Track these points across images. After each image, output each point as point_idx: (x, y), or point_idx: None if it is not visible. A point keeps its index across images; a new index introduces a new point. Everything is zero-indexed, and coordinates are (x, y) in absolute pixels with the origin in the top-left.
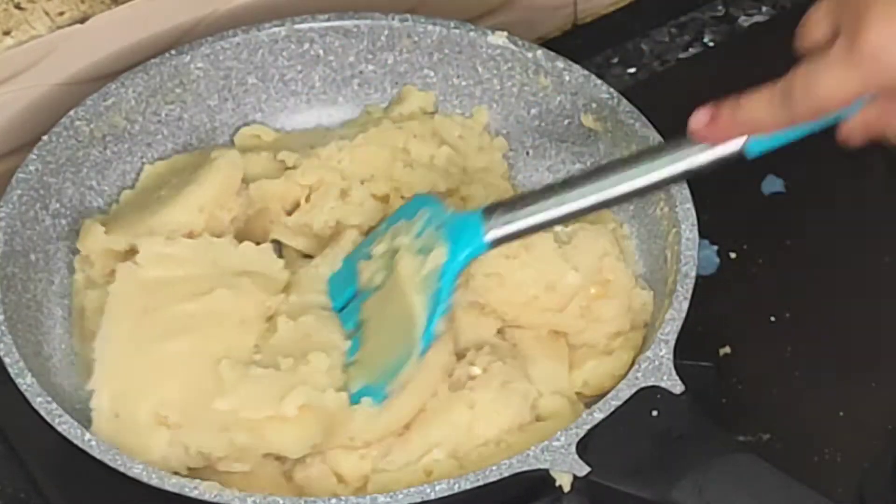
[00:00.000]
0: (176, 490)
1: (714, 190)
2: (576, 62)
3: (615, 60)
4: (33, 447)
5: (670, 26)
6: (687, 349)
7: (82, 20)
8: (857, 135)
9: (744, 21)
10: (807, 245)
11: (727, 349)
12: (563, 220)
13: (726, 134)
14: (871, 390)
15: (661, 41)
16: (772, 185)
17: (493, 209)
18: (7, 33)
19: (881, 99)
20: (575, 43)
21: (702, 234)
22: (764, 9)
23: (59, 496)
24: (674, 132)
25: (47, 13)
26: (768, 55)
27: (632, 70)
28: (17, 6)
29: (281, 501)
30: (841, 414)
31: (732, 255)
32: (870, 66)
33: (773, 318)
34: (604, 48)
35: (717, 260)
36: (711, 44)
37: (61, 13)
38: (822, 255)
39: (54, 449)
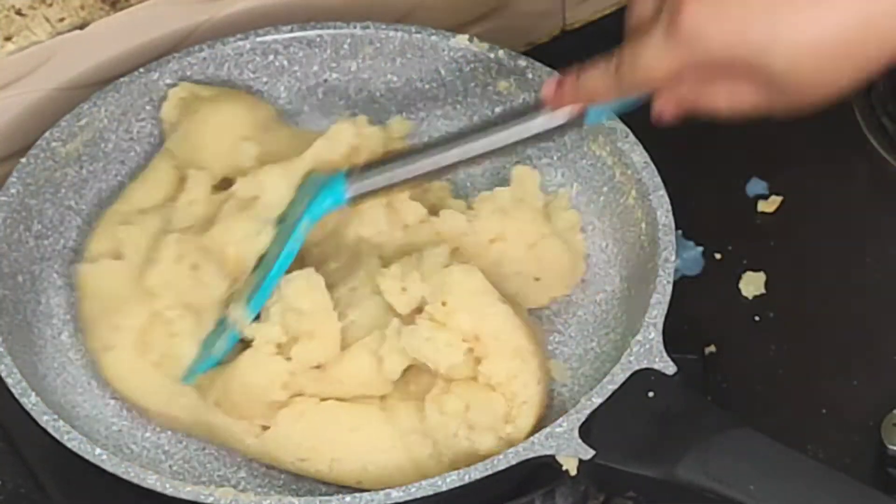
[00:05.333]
0: (191, 498)
1: (699, 192)
2: (565, 67)
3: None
4: (33, 443)
5: None
6: (673, 348)
7: (82, 26)
8: (669, 110)
9: None
10: (790, 246)
11: (712, 348)
12: (420, 179)
13: (568, 100)
14: (852, 388)
15: None
16: (756, 187)
17: (355, 169)
18: (8, 39)
19: (695, 74)
20: (563, 49)
21: (687, 236)
22: None
23: (60, 492)
24: (659, 138)
25: (48, 19)
26: None
27: None
28: (18, 12)
29: (296, 502)
30: (824, 411)
31: (717, 256)
32: (686, 44)
33: (757, 318)
34: (592, 54)
35: (703, 261)
36: None
37: (61, 19)
38: (806, 257)
39: (55, 445)
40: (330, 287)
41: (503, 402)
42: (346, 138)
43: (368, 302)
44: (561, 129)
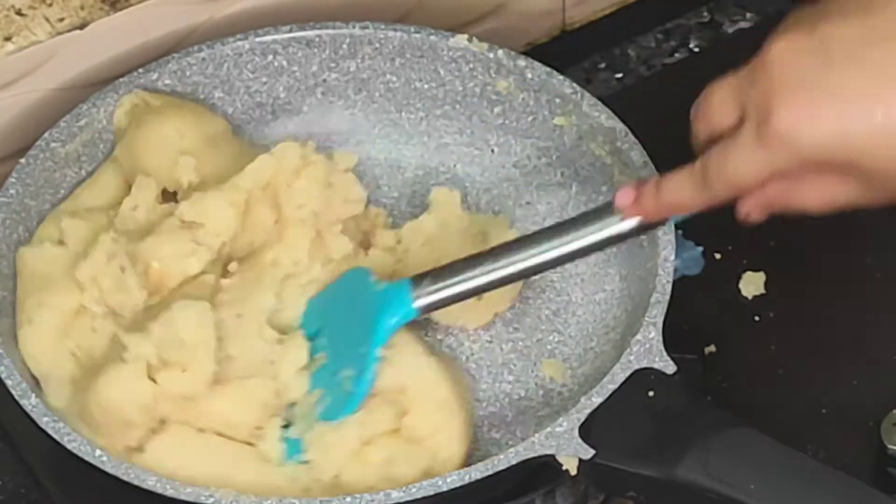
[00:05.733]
0: (192, 499)
1: None
2: (564, 67)
3: (602, 66)
4: (33, 443)
5: (656, 32)
6: (673, 348)
7: (82, 26)
8: (756, 212)
9: (728, 27)
10: (790, 246)
11: (712, 348)
12: (490, 286)
13: (650, 213)
14: (853, 388)
15: (648, 47)
16: None
17: (422, 277)
18: (8, 39)
19: (785, 176)
20: (563, 48)
21: (687, 236)
22: (748, 15)
23: (60, 492)
24: (659, 138)
25: (47, 19)
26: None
27: (619, 75)
28: (18, 12)
29: (297, 502)
30: (824, 411)
31: (717, 256)
32: (779, 147)
33: (757, 318)
34: (591, 54)
35: (703, 261)
36: (697, 49)
37: (61, 19)
38: (806, 256)
39: (55, 445)
40: (217, 298)
41: (426, 456)
42: (289, 159)
43: (251, 342)
44: (637, 232)
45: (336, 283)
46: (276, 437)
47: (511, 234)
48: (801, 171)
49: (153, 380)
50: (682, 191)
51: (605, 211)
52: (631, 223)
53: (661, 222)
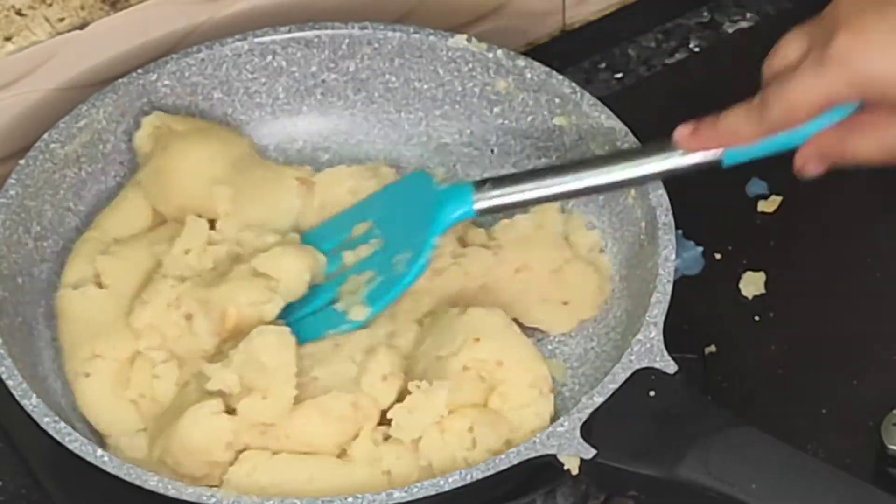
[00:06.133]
0: (193, 499)
1: (699, 192)
2: (564, 67)
3: (603, 66)
4: (33, 443)
5: (657, 32)
6: (673, 348)
7: (82, 26)
8: (812, 161)
9: (728, 27)
10: (790, 246)
11: (712, 348)
12: (547, 199)
13: (707, 144)
14: (852, 388)
15: (648, 47)
16: (756, 187)
17: (484, 182)
18: (8, 39)
19: (843, 125)
20: (563, 49)
21: (687, 236)
22: (748, 15)
23: (60, 492)
24: (659, 136)
25: (47, 19)
26: (752, 60)
27: (619, 75)
28: (18, 12)
29: (298, 503)
30: (823, 411)
31: (717, 256)
32: (837, 71)
33: (757, 318)
34: (591, 54)
35: (703, 261)
36: (697, 49)
37: (61, 19)
38: (806, 257)
39: (55, 445)
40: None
41: (508, 425)
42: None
43: (342, 365)
44: (696, 168)
45: (397, 183)
46: (368, 445)
47: (590, 236)
48: (857, 120)
49: (232, 412)
50: (740, 121)
51: (666, 144)
52: (689, 158)
53: (717, 162)
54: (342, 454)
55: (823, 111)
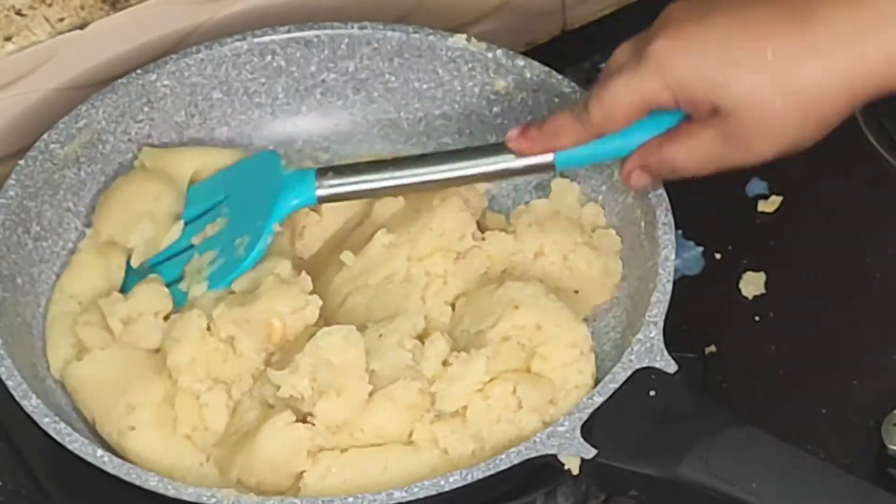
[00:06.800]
0: (193, 499)
1: (699, 192)
2: (564, 67)
3: (602, 66)
4: (33, 443)
5: None
6: (673, 348)
7: (82, 26)
8: (636, 170)
9: None
10: (790, 246)
11: (713, 348)
12: (385, 192)
13: (534, 147)
14: (853, 388)
15: None
16: (756, 187)
17: (327, 170)
18: (8, 39)
19: (660, 139)
20: (563, 48)
21: (687, 236)
22: None
23: (60, 492)
24: None
25: (47, 19)
26: None
27: None
28: (18, 12)
29: (298, 503)
30: (824, 412)
31: (717, 256)
32: (653, 72)
33: (757, 318)
34: (592, 54)
35: (703, 261)
36: None
37: (61, 19)
38: (806, 257)
39: (55, 446)
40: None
41: (551, 386)
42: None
43: (394, 353)
44: (530, 170)
45: (246, 161)
46: (426, 426)
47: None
48: (671, 132)
49: (302, 419)
50: (564, 124)
51: (503, 146)
52: (522, 161)
53: (550, 166)
54: (407, 441)
55: (641, 114)
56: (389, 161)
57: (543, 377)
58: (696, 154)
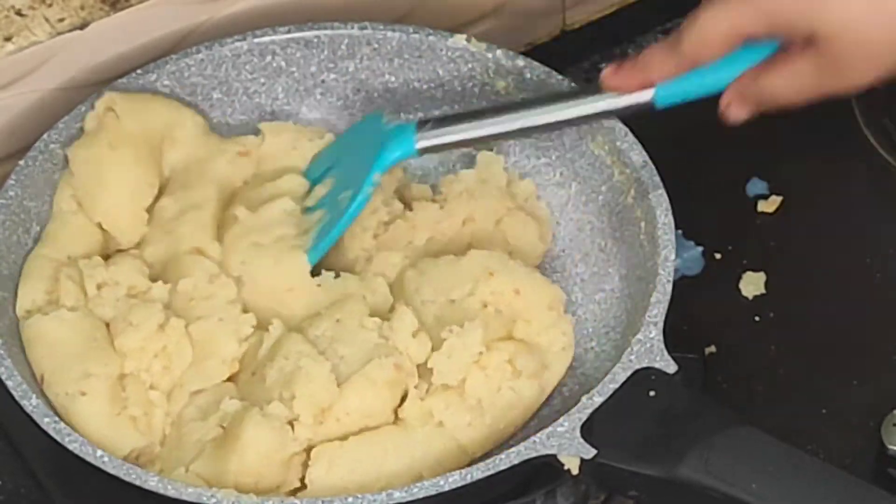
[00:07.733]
0: (193, 499)
1: (699, 192)
2: (564, 67)
3: (602, 66)
4: (34, 443)
5: (657, 32)
6: (673, 348)
7: (82, 26)
8: (734, 103)
9: None
10: (790, 246)
11: (712, 348)
12: (488, 139)
13: (629, 80)
14: (853, 388)
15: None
16: (756, 187)
17: (426, 122)
18: (8, 39)
19: (758, 68)
20: (563, 49)
21: (687, 236)
22: None
23: (60, 492)
24: (659, 138)
25: (47, 19)
26: None
27: None
28: (18, 13)
29: (298, 503)
30: (824, 412)
31: (717, 256)
32: (744, 1)
33: (757, 318)
34: (592, 54)
35: (703, 261)
36: None
37: (61, 19)
38: (806, 257)
39: (55, 445)
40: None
41: (540, 350)
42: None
43: (359, 335)
44: (630, 110)
45: (355, 125)
46: (416, 402)
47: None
48: (772, 56)
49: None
50: (657, 57)
51: (599, 87)
52: (621, 100)
53: (649, 105)
54: (397, 421)
55: (735, 44)
56: (488, 108)
57: (531, 343)
58: (793, 83)
